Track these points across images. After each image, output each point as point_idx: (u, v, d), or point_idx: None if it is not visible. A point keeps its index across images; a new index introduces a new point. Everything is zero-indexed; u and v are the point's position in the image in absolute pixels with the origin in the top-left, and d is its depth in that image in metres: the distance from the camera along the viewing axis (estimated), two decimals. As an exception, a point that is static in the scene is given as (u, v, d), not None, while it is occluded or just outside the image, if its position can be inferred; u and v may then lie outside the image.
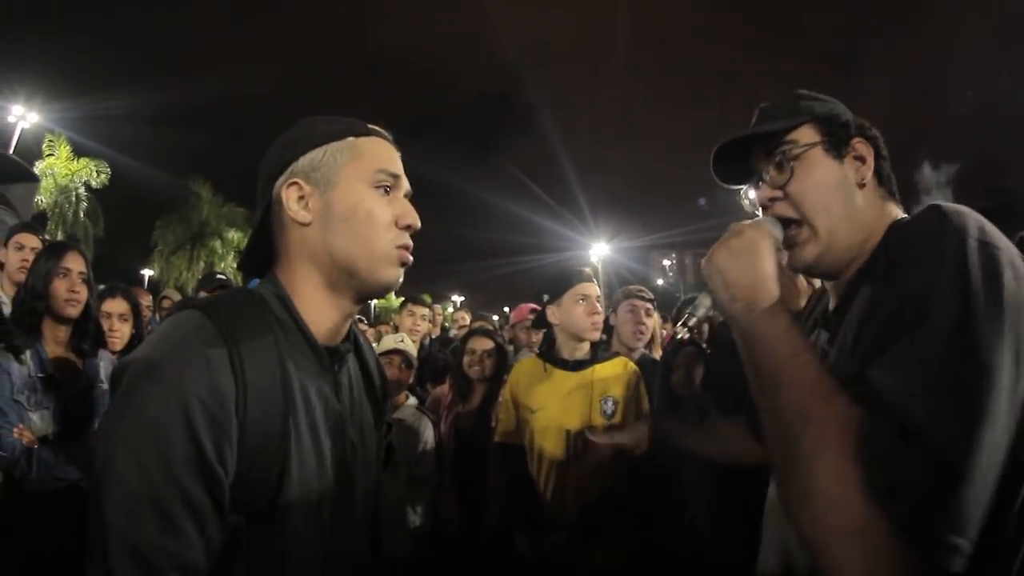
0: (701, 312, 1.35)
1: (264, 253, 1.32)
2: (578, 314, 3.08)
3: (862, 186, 1.31)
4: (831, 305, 1.42)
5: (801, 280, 2.63)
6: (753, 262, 1.20)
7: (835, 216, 1.29)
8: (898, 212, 1.33)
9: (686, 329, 1.38)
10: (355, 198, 1.25)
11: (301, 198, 1.26)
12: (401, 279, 1.32)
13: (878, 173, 1.34)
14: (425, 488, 3.55)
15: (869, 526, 0.92)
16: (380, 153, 1.31)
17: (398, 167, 1.32)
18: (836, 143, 1.32)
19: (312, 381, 1.22)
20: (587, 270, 3.19)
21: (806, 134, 1.34)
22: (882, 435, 0.95)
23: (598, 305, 3.07)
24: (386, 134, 1.37)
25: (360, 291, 1.29)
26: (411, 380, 3.83)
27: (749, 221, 1.29)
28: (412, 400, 3.71)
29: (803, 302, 2.54)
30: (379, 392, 1.50)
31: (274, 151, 1.32)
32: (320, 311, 1.27)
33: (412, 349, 3.73)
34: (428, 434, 3.62)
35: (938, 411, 0.93)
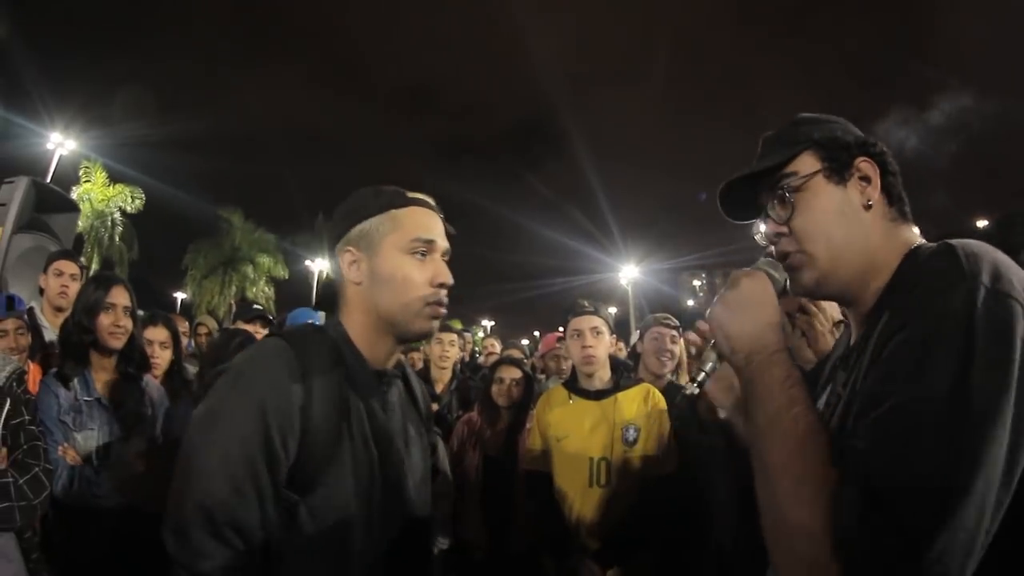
0: (708, 366, 1.33)
1: (332, 296, 1.63)
2: (574, 349, 3.28)
3: (868, 207, 1.24)
4: (852, 339, 1.34)
5: (824, 319, 2.58)
6: (750, 314, 1.20)
7: (835, 242, 1.24)
8: (914, 237, 1.25)
9: (695, 385, 1.34)
10: (394, 265, 1.53)
11: (353, 262, 1.56)
12: (436, 329, 1.62)
13: (887, 192, 1.27)
14: (442, 503, 3.58)
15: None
16: (417, 222, 1.57)
17: (433, 232, 1.57)
18: (838, 167, 1.26)
19: (364, 397, 1.52)
20: (582, 303, 3.35)
21: (805, 163, 1.28)
22: (853, 500, 0.92)
23: (590, 337, 3.21)
24: (428, 201, 1.62)
25: (399, 337, 1.58)
26: None
27: (746, 270, 1.29)
28: None
29: (829, 340, 2.50)
30: (423, 413, 1.78)
31: (335, 220, 1.62)
32: (370, 346, 1.56)
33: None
34: (440, 449, 3.67)
35: (911, 484, 0.89)
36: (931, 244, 1.16)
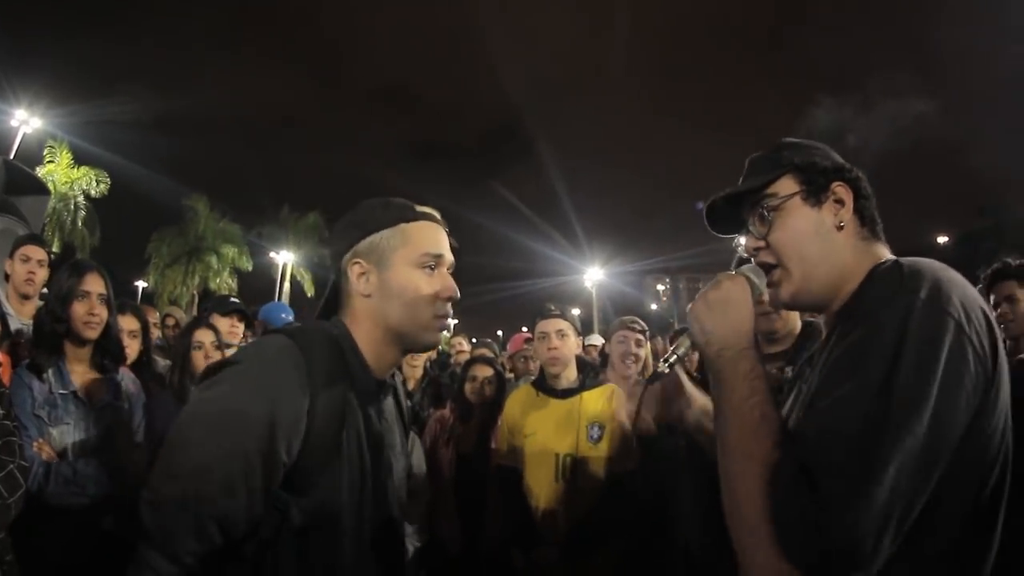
0: (681, 351, 1.47)
1: (336, 303, 1.65)
2: (540, 350, 3.45)
3: (840, 228, 1.37)
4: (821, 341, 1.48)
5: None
6: (727, 313, 1.32)
7: (809, 260, 1.37)
8: (884, 252, 1.38)
9: (667, 365, 1.49)
10: (405, 279, 1.56)
11: (363, 274, 1.58)
12: (441, 340, 1.60)
13: (860, 214, 1.39)
14: (418, 500, 3.66)
15: (769, 549, 1.06)
16: (426, 237, 1.61)
17: (441, 247, 1.62)
18: (814, 191, 1.38)
19: (364, 405, 1.54)
20: (549, 307, 3.49)
21: (785, 185, 1.41)
22: (789, 472, 1.08)
23: (556, 339, 3.38)
24: (435, 215, 1.66)
25: (407, 348, 1.65)
26: None
27: (728, 273, 1.41)
28: None
29: (778, 323, 2.71)
30: (406, 421, 1.83)
31: (341, 231, 1.64)
32: (377, 356, 1.59)
33: None
34: (416, 447, 3.73)
35: (832, 462, 1.04)
36: (890, 260, 1.30)
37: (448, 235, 1.68)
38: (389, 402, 1.72)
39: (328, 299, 1.69)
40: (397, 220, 1.60)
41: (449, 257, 1.64)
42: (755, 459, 1.14)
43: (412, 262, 1.57)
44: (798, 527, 1.04)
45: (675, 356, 1.49)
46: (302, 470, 1.38)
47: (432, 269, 1.59)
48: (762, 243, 1.43)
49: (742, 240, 1.53)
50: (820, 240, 1.37)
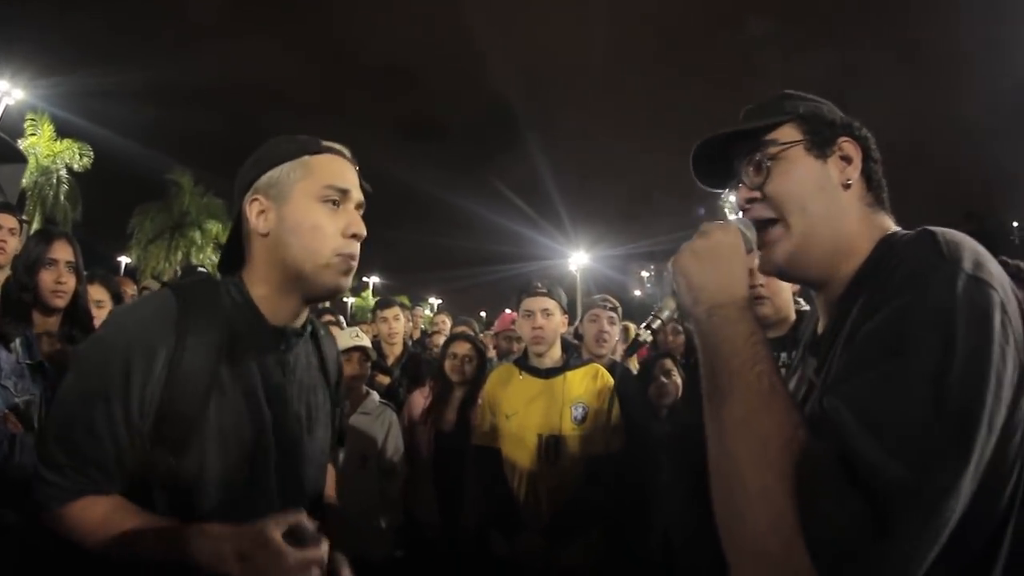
0: (665, 315, 1.27)
1: (237, 256, 1.55)
2: (524, 328, 3.34)
3: (847, 187, 1.21)
4: (820, 327, 1.30)
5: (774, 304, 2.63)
6: (719, 265, 1.14)
7: (812, 215, 1.19)
8: (891, 224, 1.23)
9: (649, 332, 1.29)
10: (303, 212, 1.45)
11: (261, 212, 1.48)
12: (348, 284, 1.53)
13: (867, 176, 1.24)
14: (395, 479, 3.65)
15: (790, 558, 0.87)
16: (331, 170, 1.50)
17: (347, 182, 1.50)
18: (819, 142, 1.22)
19: (255, 352, 1.46)
20: (536, 284, 3.38)
21: (787, 132, 1.24)
22: (825, 463, 0.88)
23: (540, 318, 3.26)
24: (344, 151, 1.55)
25: (308, 293, 1.51)
26: (369, 373, 3.97)
27: (718, 222, 1.22)
28: (374, 394, 3.81)
29: (768, 308, 2.58)
30: (332, 379, 1.73)
31: (244, 169, 1.54)
32: (273, 304, 1.50)
33: (367, 341, 3.84)
34: (394, 424, 3.72)
35: (894, 456, 0.84)
36: (908, 231, 1.13)
37: (360, 177, 1.56)
38: (303, 352, 1.60)
39: (228, 245, 1.59)
40: (300, 152, 1.49)
41: (357, 195, 1.52)
42: (772, 440, 0.93)
43: (314, 195, 1.46)
44: (845, 533, 0.84)
45: (658, 321, 1.28)
46: (168, 412, 1.34)
47: (336, 204, 1.48)
48: (756, 194, 1.25)
49: (732, 197, 1.33)
50: (824, 196, 1.20)
